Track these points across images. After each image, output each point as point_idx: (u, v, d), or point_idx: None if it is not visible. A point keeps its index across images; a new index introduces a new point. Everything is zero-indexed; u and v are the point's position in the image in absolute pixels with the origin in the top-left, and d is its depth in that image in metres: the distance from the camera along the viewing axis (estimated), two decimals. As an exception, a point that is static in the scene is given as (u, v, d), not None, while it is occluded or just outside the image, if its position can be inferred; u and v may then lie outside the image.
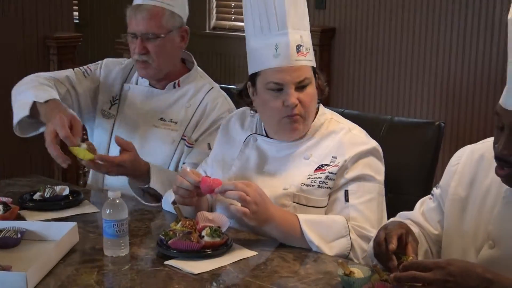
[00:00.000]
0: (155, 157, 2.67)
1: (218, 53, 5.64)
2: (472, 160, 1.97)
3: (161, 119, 2.73)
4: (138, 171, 2.49)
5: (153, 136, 2.72)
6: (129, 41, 2.69)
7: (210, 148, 2.65)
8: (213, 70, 5.69)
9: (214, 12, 5.77)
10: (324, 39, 4.79)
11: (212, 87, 2.78)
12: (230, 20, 5.64)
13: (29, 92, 2.59)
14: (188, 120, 2.71)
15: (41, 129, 2.61)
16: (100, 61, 2.91)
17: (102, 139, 2.80)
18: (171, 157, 2.69)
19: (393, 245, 1.76)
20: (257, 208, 2.04)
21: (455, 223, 1.96)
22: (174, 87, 2.75)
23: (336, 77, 4.85)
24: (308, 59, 2.19)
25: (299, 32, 2.19)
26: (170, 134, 2.70)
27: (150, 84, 2.78)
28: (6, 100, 4.28)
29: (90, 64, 2.90)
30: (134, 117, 2.75)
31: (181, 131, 2.70)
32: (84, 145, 2.34)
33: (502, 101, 1.72)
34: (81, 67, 2.87)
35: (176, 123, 2.71)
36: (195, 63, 2.83)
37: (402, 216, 2.09)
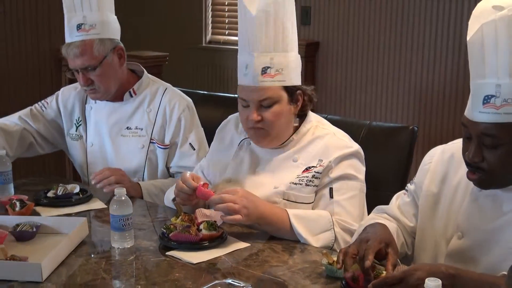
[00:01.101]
0: (129, 164, 2.67)
1: (213, 64, 5.63)
2: (443, 159, 1.98)
3: (127, 128, 2.70)
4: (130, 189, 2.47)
5: (123, 145, 2.70)
6: (74, 75, 2.64)
7: (194, 148, 2.65)
8: (209, 80, 5.69)
9: (210, 27, 5.76)
10: (309, 52, 4.79)
11: (166, 88, 2.75)
12: (224, 34, 5.63)
13: None
14: (152, 124, 2.68)
15: None
16: (56, 92, 2.88)
17: (80, 159, 2.79)
18: (144, 161, 2.68)
19: (369, 261, 1.73)
20: (248, 211, 2.04)
21: (428, 217, 1.97)
22: (131, 95, 2.71)
23: (320, 86, 4.86)
24: (276, 80, 2.14)
25: (269, 55, 2.13)
26: (138, 140, 2.69)
27: (108, 100, 2.73)
28: (24, 102, 4.28)
29: (48, 97, 2.88)
30: (103, 132, 2.73)
31: (148, 135, 2.68)
32: None
33: (467, 113, 1.73)
34: (39, 103, 2.85)
35: (141, 129, 2.69)
36: (145, 70, 2.78)
37: (379, 210, 2.10)
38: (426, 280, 1.41)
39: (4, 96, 4.29)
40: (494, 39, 1.65)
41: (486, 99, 1.66)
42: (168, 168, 2.72)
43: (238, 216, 2.03)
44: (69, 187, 2.48)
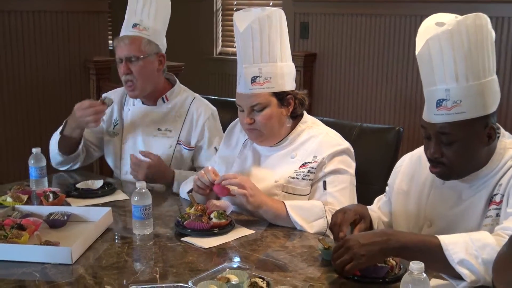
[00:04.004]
0: None
1: (223, 73, 5.63)
2: (411, 162, 2.02)
3: (158, 129, 2.70)
4: (163, 177, 2.50)
5: (154, 144, 2.70)
6: (117, 66, 2.66)
7: (217, 150, 2.65)
8: (219, 87, 5.69)
9: (220, 40, 5.77)
10: (307, 62, 4.78)
11: (194, 97, 2.76)
12: (232, 47, 5.63)
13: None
14: (180, 128, 2.69)
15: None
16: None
17: (115, 154, 2.78)
18: (170, 159, 2.67)
19: (342, 233, 1.79)
20: (253, 192, 2.04)
21: (401, 210, 2.00)
22: (164, 101, 2.72)
23: (317, 92, 4.85)
24: (265, 87, 2.15)
25: (258, 66, 2.14)
26: (167, 140, 2.69)
27: (144, 103, 2.74)
28: (57, 106, 4.31)
29: None
30: (137, 131, 2.73)
31: (176, 137, 2.68)
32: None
33: (425, 116, 1.77)
34: None
35: (170, 131, 2.69)
36: (177, 80, 2.79)
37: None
38: (411, 263, 1.41)
39: (40, 100, 4.31)
40: (439, 51, 1.68)
41: (439, 103, 1.70)
42: (195, 168, 2.72)
43: (245, 191, 2.03)
44: (96, 181, 2.50)
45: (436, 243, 1.58)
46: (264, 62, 2.15)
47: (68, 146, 2.68)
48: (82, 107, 2.56)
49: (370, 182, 2.41)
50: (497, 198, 1.74)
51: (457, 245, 1.56)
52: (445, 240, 1.58)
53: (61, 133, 2.66)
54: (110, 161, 2.83)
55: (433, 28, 1.72)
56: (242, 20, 2.17)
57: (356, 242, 1.60)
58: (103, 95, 2.65)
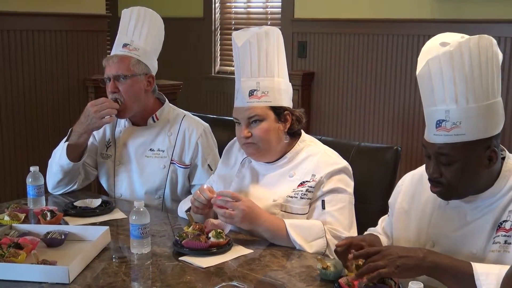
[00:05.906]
0: (152, 182, 2.67)
1: (222, 91, 5.64)
2: (412, 181, 2.01)
3: (150, 149, 2.69)
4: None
5: (147, 165, 2.68)
6: (106, 86, 2.65)
7: (211, 169, 2.64)
8: (218, 106, 5.70)
9: (218, 59, 5.79)
10: (305, 81, 4.80)
11: (185, 115, 2.75)
12: (230, 66, 5.65)
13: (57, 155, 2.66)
14: (172, 147, 2.67)
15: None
16: None
17: (109, 176, 2.77)
18: (165, 180, 2.66)
19: (337, 248, 1.79)
20: (241, 219, 2.04)
21: (402, 230, 1.98)
22: (154, 121, 2.71)
23: (315, 111, 4.86)
24: (262, 101, 2.17)
25: (256, 80, 2.17)
26: (160, 161, 2.67)
27: (134, 124, 2.74)
28: (55, 124, 4.31)
29: None
30: (129, 153, 2.72)
31: (169, 157, 2.67)
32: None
33: (425, 136, 1.77)
34: None
35: (163, 151, 2.68)
36: (166, 99, 2.78)
37: (370, 231, 2.13)
38: (410, 283, 1.40)
39: (39, 118, 4.31)
40: (439, 72, 1.68)
41: (438, 123, 1.70)
42: (191, 186, 2.72)
43: (230, 222, 2.06)
44: (94, 199, 2.49)
45: (469, 271, 1.59)
46: (262, 76, 2.17)
47: (73, 156, 2.63)
48: (97, 102, 2.56)
49: (368, 201, 2.41)
50: (507, 225, 1.72)
51: (489, 277, 1.56)
52: (478, 269, 1.58)
53: (66, 141, 2.62)
54: (104, 183, 2.81)
55: (436, 48, 1.71)
56: (241, 37, 2.21)
57: (394, 253, 1.62)
58: (113, 97, 2.61)
